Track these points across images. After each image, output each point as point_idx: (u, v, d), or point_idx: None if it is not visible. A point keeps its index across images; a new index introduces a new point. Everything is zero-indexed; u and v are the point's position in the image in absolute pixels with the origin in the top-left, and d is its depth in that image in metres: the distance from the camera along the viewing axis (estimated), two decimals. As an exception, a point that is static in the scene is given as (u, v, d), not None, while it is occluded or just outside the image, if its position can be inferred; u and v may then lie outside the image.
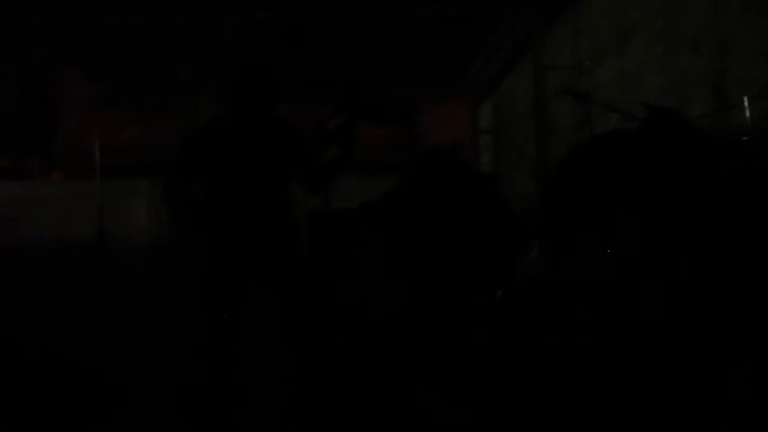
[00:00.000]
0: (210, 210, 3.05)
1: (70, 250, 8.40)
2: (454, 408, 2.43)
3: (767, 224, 2.26)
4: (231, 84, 3.12)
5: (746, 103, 2.75)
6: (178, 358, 3.72)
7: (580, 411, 2.42)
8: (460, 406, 2.44)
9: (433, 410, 2.45)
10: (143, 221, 10.58)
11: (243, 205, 3.03)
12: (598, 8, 7.11)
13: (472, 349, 2.54)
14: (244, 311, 3.05)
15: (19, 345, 4.64)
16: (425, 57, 10.00)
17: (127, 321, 5.51)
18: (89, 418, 3.48)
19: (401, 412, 2.57)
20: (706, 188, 2.28)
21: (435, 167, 2.77)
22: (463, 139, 11.81)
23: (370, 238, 2.90)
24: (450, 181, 2.73)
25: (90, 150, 12.19)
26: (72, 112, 12.36)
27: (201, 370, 3.02)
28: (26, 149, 12.89)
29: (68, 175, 12.79)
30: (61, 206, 10.92)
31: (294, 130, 3.29)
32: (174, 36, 9.00)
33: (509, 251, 2.71)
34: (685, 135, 2.40)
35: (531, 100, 8.35)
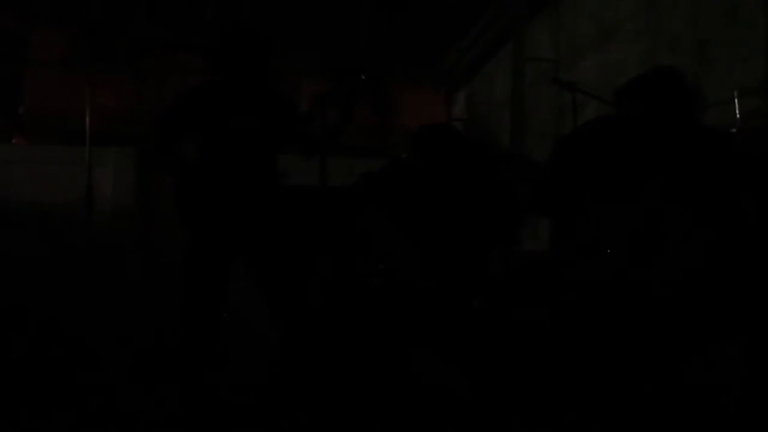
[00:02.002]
0: (196, 177, 3.04)
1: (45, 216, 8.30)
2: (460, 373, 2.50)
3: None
4: (220, 45, 3.11)
5: (736, 99, 2.86)
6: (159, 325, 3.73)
7: (563, 381, 2.53)
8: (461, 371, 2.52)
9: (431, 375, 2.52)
10: (108, 190, 10.39)
11: (230, 172, 3.03)
12: (581, 4, 7.23)
13: (470, 319, 2.61)
14: (227, 280, 3.07)
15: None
16: (403, 43, 10.03)
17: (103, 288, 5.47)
18: (70, 385, 3.46)
19: (400, 378, 2.64)
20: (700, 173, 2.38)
21: (438, 141, 2.82)
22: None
23: (370, 210, 2.95)
24: (453, 155, 2.79)
25: (56, 115, 11.91)
26: (39, 74, 12.00)
27: (184, 336, 3.04)
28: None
29: (31, 140, 12.41)
30: (27, 171, 10.60)
31: (286, 98, 3.30)
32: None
33: (507, 226, 2.78)
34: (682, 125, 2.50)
35: (507, 90, 8.45)
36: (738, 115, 2.89)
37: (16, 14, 10.11)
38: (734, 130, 2.71)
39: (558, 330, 2.53)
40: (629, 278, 2.47)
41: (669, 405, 2.45)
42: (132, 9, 9.11)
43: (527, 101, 7.97)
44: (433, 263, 2.74)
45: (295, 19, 9.11)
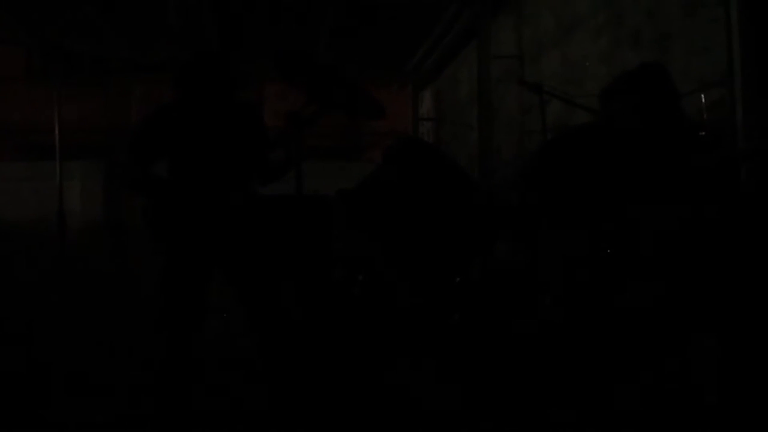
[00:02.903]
0: (169, 195, 3.03)
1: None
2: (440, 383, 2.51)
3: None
4: (182, 72, 3.14)
5: (702, 95, 2.89)
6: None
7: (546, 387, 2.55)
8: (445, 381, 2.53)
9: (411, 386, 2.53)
10: (76, 204, 10.26)
11: (202, 189, 3.02)
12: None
13: (449, 333, 2.63)
14: (206, 293, 3.07)
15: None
16: (369, 43, 10.02)
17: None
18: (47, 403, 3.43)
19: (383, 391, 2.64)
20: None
21: (414, 156, 2.83)
22: (404, 127, 11.89)
23: (348, 225, 2.95)
24: (429, 169, 2.79)
25: (20, 129, 11.71)
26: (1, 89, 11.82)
27: (164, 351, 3.03)
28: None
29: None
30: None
31: (257, 113, 3.31)
32: (114, 11, 8.72)
33: (483, 238, 2.79)
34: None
35: (473, 88, 8.49)
36: (705, 112, 2.93)
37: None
38: (703, 133, 2.74)
39: (541, 337, 2.55)
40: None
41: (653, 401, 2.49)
42: (95, 23, 8.96)
43: (494, 98, 8.02)
44: (411, 277, 2.76)
45: (257, 22, 9.05)
